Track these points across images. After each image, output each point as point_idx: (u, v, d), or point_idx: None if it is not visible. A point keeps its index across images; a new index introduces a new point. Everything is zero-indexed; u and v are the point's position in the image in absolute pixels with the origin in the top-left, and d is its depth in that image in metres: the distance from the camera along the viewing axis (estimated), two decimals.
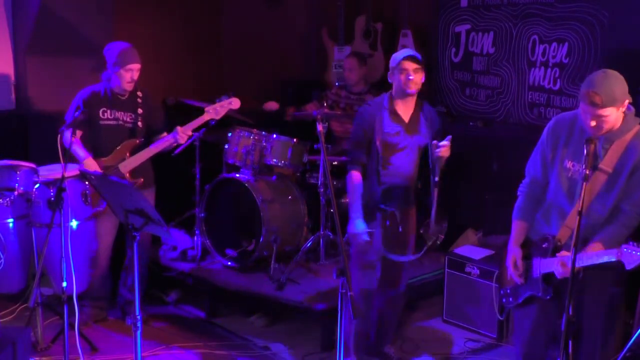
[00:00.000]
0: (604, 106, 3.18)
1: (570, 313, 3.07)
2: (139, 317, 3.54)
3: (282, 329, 5.20)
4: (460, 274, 5.16)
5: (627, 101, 3.28)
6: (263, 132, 5.55)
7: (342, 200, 6.05)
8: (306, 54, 7.54)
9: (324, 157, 3.55)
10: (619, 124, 3.30)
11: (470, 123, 6.14)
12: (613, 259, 3.13)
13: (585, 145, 3.22)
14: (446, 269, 5.26)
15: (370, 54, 6.66)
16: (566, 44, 5.41)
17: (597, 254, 3.20)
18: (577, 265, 3.15)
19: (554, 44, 5.49)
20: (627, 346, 4.14)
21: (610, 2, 5.13)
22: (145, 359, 4.62)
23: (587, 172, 3.19)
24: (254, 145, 5.49)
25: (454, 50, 6.22)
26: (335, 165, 5.71)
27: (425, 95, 6.50)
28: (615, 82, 3.23)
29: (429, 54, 6.44)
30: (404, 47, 6.50)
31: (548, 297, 3.47)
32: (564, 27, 5.41)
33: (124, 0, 6.79)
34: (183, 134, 4.87)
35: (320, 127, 3.59)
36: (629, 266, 3.08)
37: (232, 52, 7.64)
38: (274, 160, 5.48)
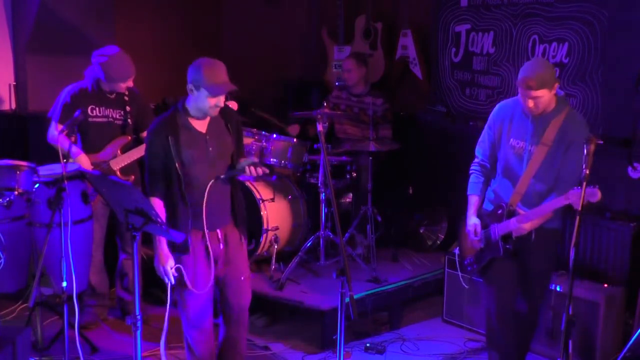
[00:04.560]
0: (537, 88, 3.72)
1: (570, 313, 3.09)
2: (139, 317, 3.53)
3: (282, 329, 5.20)
4: (460, 273, 5.16)
5: (556, 84, 3.79)
6: (263, 132, 5.55)
7: (342, 200, 6.07)
8: (306, 54, 7.54)
9: (324, 157, 3.54)
10: (552, 106, 3.84)
11: (470, 123, 6.14)
12: (564, 203, 3.64)
13: (585, 145, 3.31)
14: (446, 269, 5.26)
15: (370, 53, 6.66)
16: (566, 43, 5.40)
17: (549, 204, 3.76)
18: (535, 217, 3.80)
19: (554, 44, 5.49)
20: (627, 346, 4.15)
21: (610, 2, 5.13)
22: (145, 359, 4.62)
23: (587, 172, 3.27)
24: (254, 145, 5.49)
25: (454, 50, 6.22)
26: (335, 165, 5.71)
27: (426, 95, 6.55)
28: (545, 68, 3.79)
29: (429, 53, 6.45)
30: (404, 47, 6.51)
31: (505, 254, 3.96)
32: (564, 27, 5.41)
33: (124, 0, 6.80)
34: None
35: (320, 127, 3.59)
36: (578, 204, 3.42)
37: (232, 52, 7.64)
38: (274, 160, 5.48)
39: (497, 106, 4.11)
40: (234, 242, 3.98)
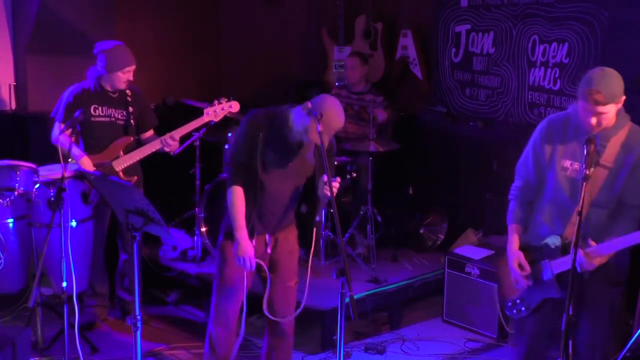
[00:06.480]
0: (606, 103, 3.22)
1: (571, 313, 3.08)
2: (139, 317, 3.53)
3: None
4: (460, 274, 5.17)
5: (623, 98, 3.29)
6: None
7: (342, 200, 6.07)
8: (306, 54, 7.54)
9: (324, 157, 3.53)
10: (614, 121, 3.32)
11: (470, 123, 6.14)
12: None
13: (584, 145, 3.23)
14: (446, 269, 5.26)
15: (370, 54, 6.66)
16: (566, 44, 5.40)
17: (629, 238, 3.21)
18: (607, 252, 3.24)
19: (554, 44, 5.49)
20: (627, 346, 4.14)
21: (610, 2, 5.13)
22: (145, 359, 4.62)
23: (587, 172, 3.20)
24: None
25: (454, 50, 6.22)
26: (335, 165, 5.70)
27: (426, 95, 6.54)
28: (615, 79, 3.26)
29: (429, 54, 6.45)
30: (404, 47, 6.51)
31: (561, 295, 3.42)
32: (564, 27, 5.41)
33: (124, 0, 6.81)
34: (170, 139, 4.85)
35: (320, 127, 3.58)
36: None
37: (232, 52, 7.65)
38: None
39: (544, 122, 3.55)
40: (284, 250, 3.97)
